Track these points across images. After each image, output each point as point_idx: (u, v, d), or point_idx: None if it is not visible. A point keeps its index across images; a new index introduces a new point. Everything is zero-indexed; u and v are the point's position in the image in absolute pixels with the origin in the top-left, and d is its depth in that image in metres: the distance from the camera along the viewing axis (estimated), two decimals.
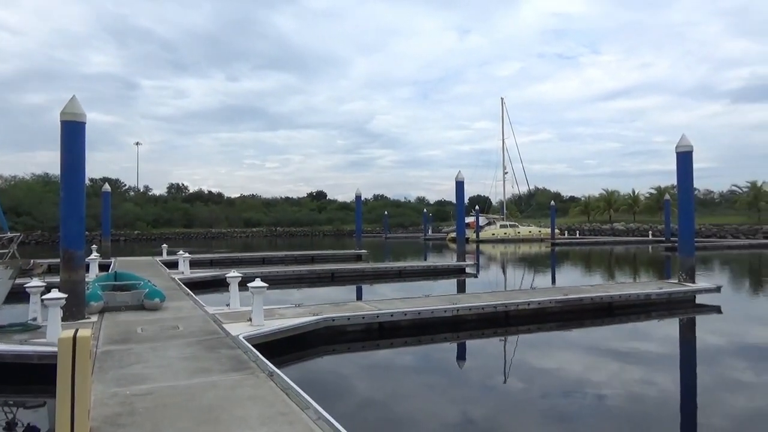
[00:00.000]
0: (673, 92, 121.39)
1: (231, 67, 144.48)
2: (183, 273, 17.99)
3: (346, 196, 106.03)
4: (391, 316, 10.40)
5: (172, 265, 20.81)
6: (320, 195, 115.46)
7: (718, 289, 14.14)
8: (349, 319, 10.08)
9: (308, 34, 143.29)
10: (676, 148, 14.68)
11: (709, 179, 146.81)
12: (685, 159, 14.56)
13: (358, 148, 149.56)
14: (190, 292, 13.20)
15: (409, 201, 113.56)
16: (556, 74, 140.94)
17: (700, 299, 13.89)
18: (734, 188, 67.13)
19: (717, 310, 13.22)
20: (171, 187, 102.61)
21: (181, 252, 19.68)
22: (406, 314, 10.55)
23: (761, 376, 8.10)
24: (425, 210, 76.40)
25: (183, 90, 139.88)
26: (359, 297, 16.39)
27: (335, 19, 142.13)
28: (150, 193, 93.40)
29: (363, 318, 10.21)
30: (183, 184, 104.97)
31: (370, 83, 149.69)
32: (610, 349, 9.83)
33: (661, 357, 9.47)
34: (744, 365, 8.71)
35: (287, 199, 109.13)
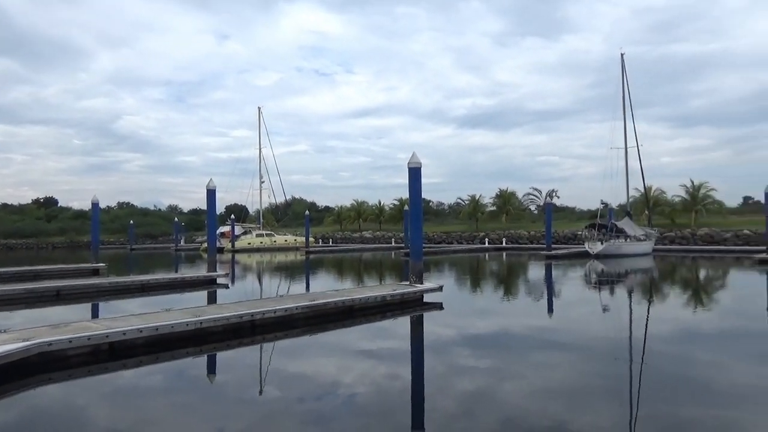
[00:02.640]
0: (413, 114, 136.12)
1: None
2: None
3: (83, 203, 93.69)
4: (124, 334, 9.45)
5: None
6: (50, 201, 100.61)
7: (440, 288, 16.20)
8: (71, 341, 8.84)
9: (38, 16, 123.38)
10: (408, 164, 16.44)
11: (441, 192, 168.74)
12: (415, 174, 16.37)
13: (100, 150, 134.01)
14: None
15: (160, 209, 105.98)
16: (313, 89, 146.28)
17: (427, 298, 15.72)
18: (459, 200, 78.06)
19: (440, 306, 15.13)
20: None
21: None
22: (141, 331, 9.69)
23: (479, 360, 9.47)
24: (176, 219, 72.11)
25: None
26: (95, 315, 14.62)
27: (73, 3, 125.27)
28: None
29: (89, 339, 9.07)
30: None
31: (115, 79, 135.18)
32: (353, 350, 10.45)
33: (395, 352, 10.45)
34: (463, 352, 10.09)
35: (6, 206, 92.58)
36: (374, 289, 16.22)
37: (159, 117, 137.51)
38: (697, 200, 54.28)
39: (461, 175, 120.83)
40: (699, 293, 19.70)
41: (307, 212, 56.87)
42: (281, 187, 65.86)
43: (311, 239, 56.68)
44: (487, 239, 54.95)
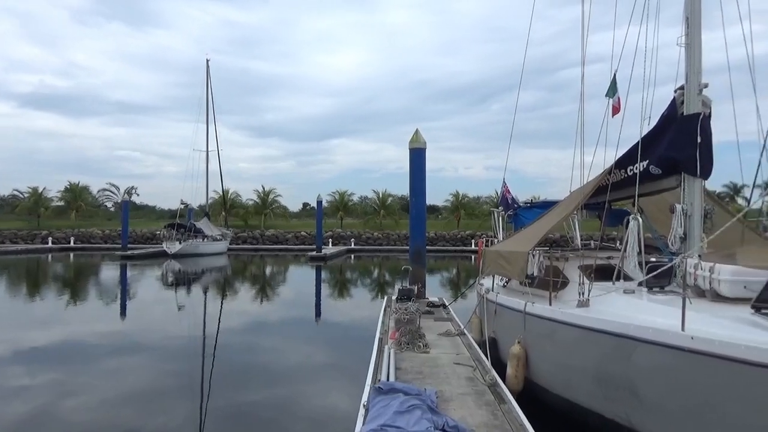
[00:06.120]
0: None
1: None
2: None
3: None
4: None
5: None
6: None
7: None
8: None
9: None
10: None
11: None
12: None
13: None
14: None
15: None
16: None
17: None
18: (16, 193, 66.03)
19: None
20: None
21: None
22: None
23: (36, 377, 8.22)
24: None
25: None
26: None
27: None
28: None
29: None
30: None
31: None
32: None
33: None
34: (14, 370, 8.58)
35: None
36: None
37: None
38: (266, 204, 60.67)
39: (20, 163, 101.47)
40: (265, 287, 22.06)
41: None
42: None
43: None
44: (51, 238, 48.23)
